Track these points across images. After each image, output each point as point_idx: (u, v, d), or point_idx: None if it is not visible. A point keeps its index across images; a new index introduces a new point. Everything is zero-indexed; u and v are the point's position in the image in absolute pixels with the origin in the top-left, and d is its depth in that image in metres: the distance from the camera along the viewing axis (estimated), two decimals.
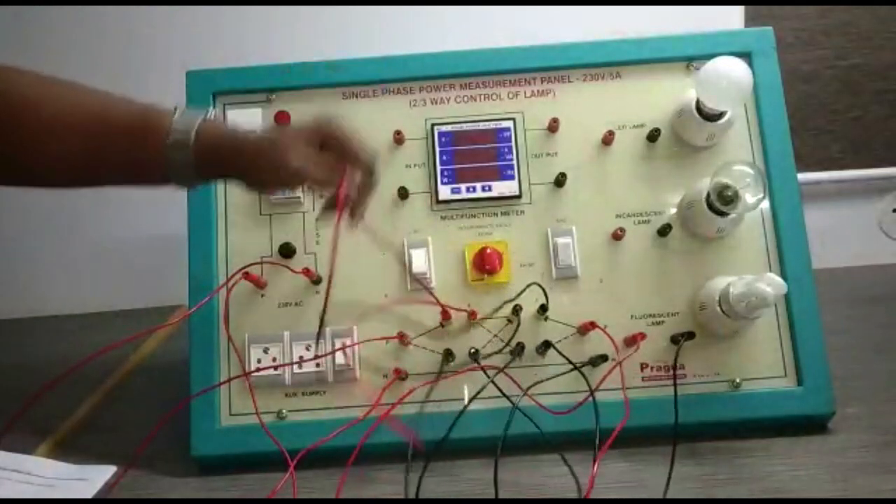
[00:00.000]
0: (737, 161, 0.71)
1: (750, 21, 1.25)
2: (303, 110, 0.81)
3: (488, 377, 0.66)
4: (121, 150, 0.53)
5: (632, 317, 0.75)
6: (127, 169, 0.56)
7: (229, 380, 0.72)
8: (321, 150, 0.59)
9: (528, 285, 0.74)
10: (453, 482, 0.67)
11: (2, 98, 0.49)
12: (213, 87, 0.81)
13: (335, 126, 0.59)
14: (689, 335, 0.73)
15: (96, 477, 0.71)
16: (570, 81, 0.82)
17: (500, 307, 0.74)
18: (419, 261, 0.76)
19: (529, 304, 0.74)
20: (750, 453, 0.68)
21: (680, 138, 0.79)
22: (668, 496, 0.61)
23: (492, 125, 0.80)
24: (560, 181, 0.78)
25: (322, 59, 0.82)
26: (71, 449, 0.76)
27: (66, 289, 1.34)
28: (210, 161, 0.56)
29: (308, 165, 0.57)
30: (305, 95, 0.82)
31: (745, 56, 0.77)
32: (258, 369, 0.73)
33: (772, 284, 0.64)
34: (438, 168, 0.79)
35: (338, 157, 0.59)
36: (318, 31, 1.28)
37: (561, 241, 0.76)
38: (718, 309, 0.70)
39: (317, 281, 0.77)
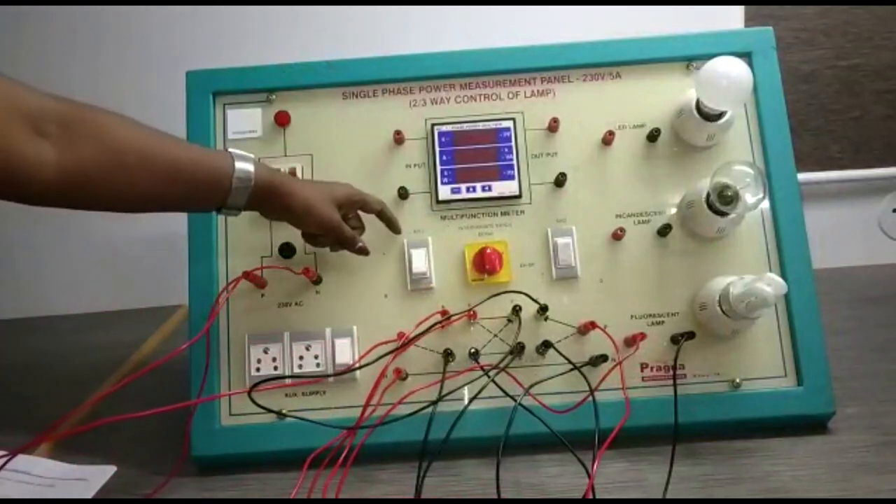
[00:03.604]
0: (737, 161, 0.71)
1: (750, 21, 1.25)
2: (303, 110, 0.81)
3: (489, 377, 0.66)
4: (187, 193, 0.63)
5: (632, 317, 0.75)
6: (188, 206, 0.69)
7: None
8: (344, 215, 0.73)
9: (519, 292, 0.74)
10: (454, 482, 0.67)
11: (109, 140, 0.57)
12: (213, 87, 0.81)
13: (357, 195, 0.74)
14: (689, 335, 0.73)
15: (96, 477, 0.71)
16: (570, 81, 0.82)
17: (496, 295, 0.74)
18: (419, 261, 0.76)
19: (529, 304, 0.74)
20: (750, 453, 0.68)
21: (680, 138, 0.79)
22: (668, 496, 0.61)
23: (492, 125, 0.80)
24: (560, 181, 0.78)
25: (322, 59, 0.82)
26: (71, 449, 0.76)
27: (66, 289, 1.35)
28: (259, 206, 0.68)
29: (343, 224, 0.72)
30: (305, 95, 0.82)
31: (745, 56, 0.78)
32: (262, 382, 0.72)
33: (772, 284, 0.64)
34: (438, 168, 0.79)
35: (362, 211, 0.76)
36: (318, 31, 1.28)
37: (561, 241, 0.76)
38: (718, 309, 0.70)
39: (317, 281, 0.77)
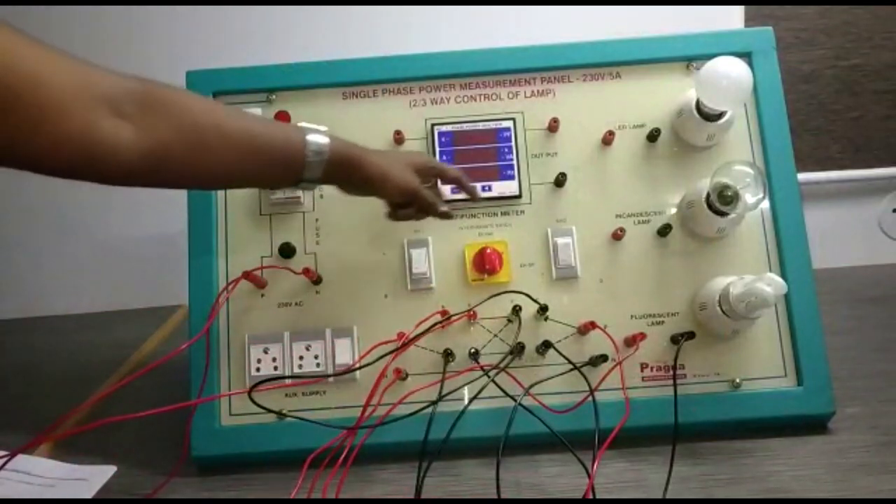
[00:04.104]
0: (737, 161, 0.71)
1: (750, 21, 1.25)
2: (303, 110, 0.81)
3: (489, 377, 0.66)
4: (263, 168, 0.63)
5: (632, 317, 0.75)
6: (265, 181, 0.68)
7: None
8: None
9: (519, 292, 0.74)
10: (454, 482, 0.67)
11: (186, 118, 0.58)
12: (213, 87, 0.81)
13: (433, 162, 0.74)
14: (689, 335, 0.73)
15: (96, 477, 0.71)
16: (570, 81, 0.82)
17: (496, 295, 0.74)
18: (419, 261, 0.76)
19: (529, 304, 0.74)
20: (750, 453, 0.68)
21: (680, 138, 0.79)
22: (668, 496, 0.61)
23: (492, 125, 0.80)
24: (560, 181, 0.78)
25: (322, 59, 0.82)
26: (71, 449, 0.76)
27: (66, 289, 1.34)
28: (336, 178, 0.67)
29: (422, 188, 0.71)
30: (305, 95, 0.82)
31: (745, 56, 0.78)
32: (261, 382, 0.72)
33: (772, 284, 0.64)
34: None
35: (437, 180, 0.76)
36: (318, 31, 1.28)
37: (561, 241, 0.76)
38: (718, 309, 0.70)
39: (317, 281, 0.77)
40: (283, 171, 0.64)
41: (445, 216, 0.73)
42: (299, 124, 0.66)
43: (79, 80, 0.51)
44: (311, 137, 0.64)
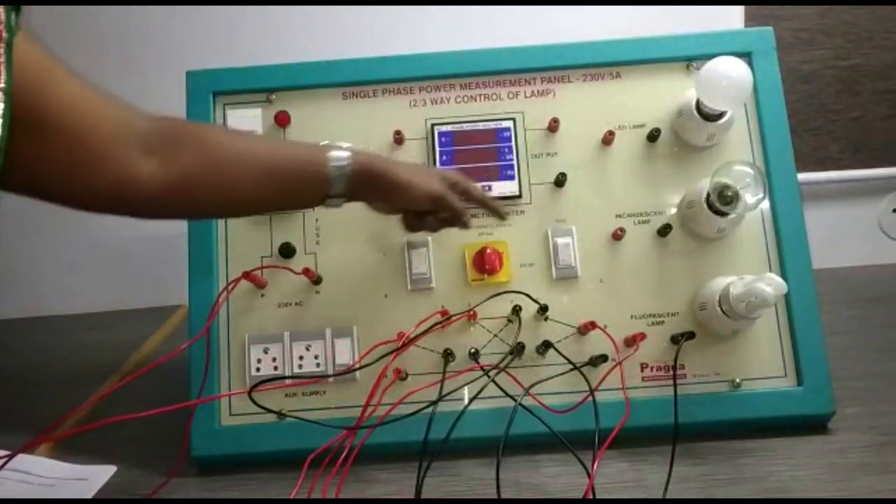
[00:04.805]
0: (737, 161, 0.71)
1: (750, 21, 1.25)
2: (303, 110, 0.81)
3: (489, 377, 0.66)
4: (288, 186, 0.64)
5: (632, 317, 0.75)
6: (292, 201, 0.69)
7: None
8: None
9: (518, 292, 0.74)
10: (454, 482, 0.67)
11: (208, 146, 0.59)
12: (213, 87, 0.81)
13: (459, 178, 0.72)
14: (689, 335, 0.73)
15: (96, 477, 0.71)
16: (570, 81, 0.82)
17: (496, 295, 0.74)
18: (419, 261, 0.76)
19: (529, 304, 0.74)
20: (750, 453, 0.68)
21: (680, 138, 0.79)
22: (668, 496, 0.61)
23: (492, 125, 0.80)
24: (560, 181, 0.78)
25: (322, 59, 0.82)
26: (71, 449, 0.76)
27: (65, 289, 1.34)
28: (363, 190, 0.67)
29: (450, 193, 0.70)
30: (305, 95, 0.82)
31: (745, 56, 0.78)
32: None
33: (772, 284, 0.64)
34: (438, 168, 0.79)
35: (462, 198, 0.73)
36: (318, 31, 1.28)
37: (561, 241, 0.76)
38: (718, 309, 0.70)
39: (317, 281, 0.77)
40: (308, 189, 0.64)
41: (467, 226, 0.73)
42: (322, 143, 0.67)
43: (119, 125, 0.54)
44: (332, 153, 0.64)
